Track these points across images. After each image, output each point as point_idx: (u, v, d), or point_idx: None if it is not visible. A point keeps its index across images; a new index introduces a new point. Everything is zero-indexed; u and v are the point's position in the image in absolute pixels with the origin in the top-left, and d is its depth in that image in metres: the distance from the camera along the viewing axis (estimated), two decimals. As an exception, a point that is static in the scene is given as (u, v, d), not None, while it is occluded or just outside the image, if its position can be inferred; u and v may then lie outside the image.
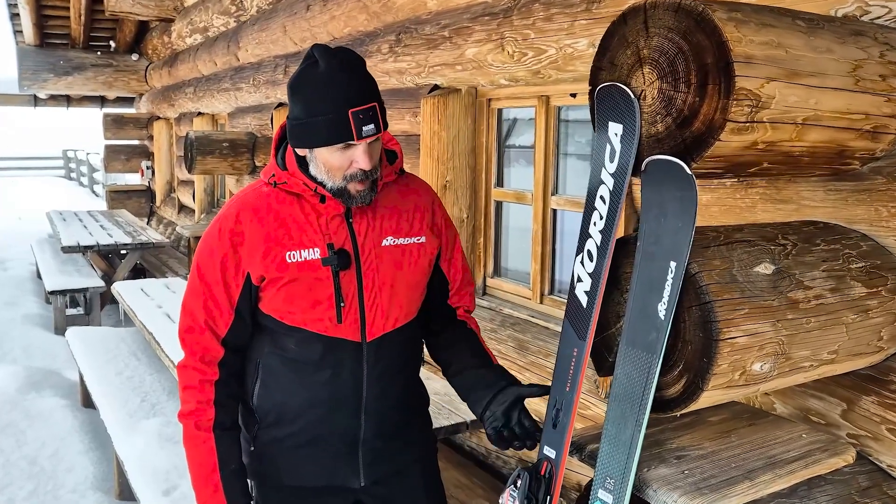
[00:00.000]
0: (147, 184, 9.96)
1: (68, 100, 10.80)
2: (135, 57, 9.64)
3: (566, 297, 2.91)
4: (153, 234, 7.09)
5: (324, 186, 1.58)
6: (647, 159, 1.43)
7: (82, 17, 8.81)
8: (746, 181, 1.87)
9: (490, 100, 3.22)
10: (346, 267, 1.60)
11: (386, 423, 1.70)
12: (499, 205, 3.32)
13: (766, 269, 1.42)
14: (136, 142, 10.08)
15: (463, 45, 2.99)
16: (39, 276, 7.19)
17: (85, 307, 6.51)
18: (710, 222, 1.92)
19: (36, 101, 10.77)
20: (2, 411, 4.05)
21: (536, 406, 1.92)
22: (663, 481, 1.41)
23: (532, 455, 2.72)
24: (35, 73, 9.31)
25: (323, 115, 1.48)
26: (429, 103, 3.26)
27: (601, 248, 1.51)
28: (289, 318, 1.63)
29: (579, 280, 1.54)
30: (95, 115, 11.06)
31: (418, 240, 1.69)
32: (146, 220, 9.78)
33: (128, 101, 10.80)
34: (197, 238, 6.06)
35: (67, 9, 8.83)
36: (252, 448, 1.72)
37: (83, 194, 18.62)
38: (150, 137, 9.66)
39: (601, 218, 1.52)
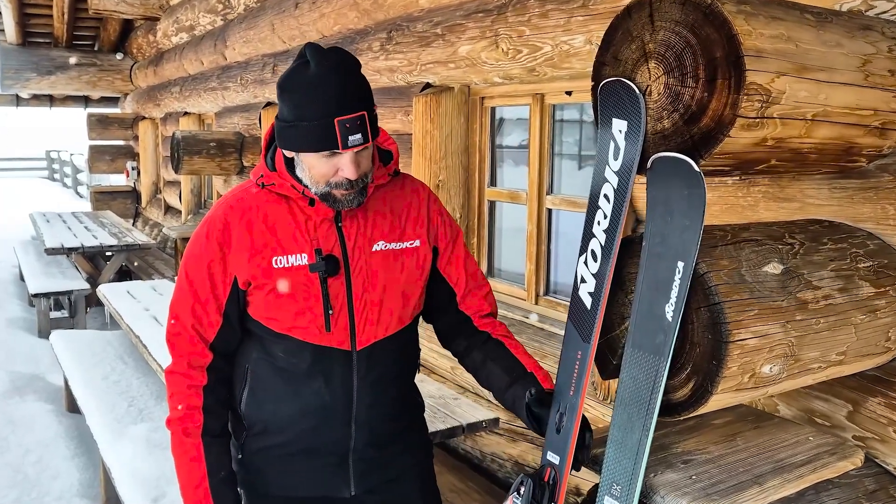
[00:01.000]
0: (132, 185, 9.85)
1: (51, 99, 10.66)
2: (119, 56, 9.52)
3: (562, 298, 2.89)
4: (139, 236, 6.99)
5: (310, 190, 1.53)
6: (654, 156, 1.39)
7: (65, 16, 8.69)
8: (749, 179, 1.84)
9: (483, 98, 3.18)
10: (335, 273, 1.55)
11: (378, 433, 1.65)
12: (492, 204, 3.28)
13: (774, 268, 1.39)
14: (120, 142, 9.96)
15: (456, 42, 2.95)
16: (22, 279, 7.06)
17: (69, 310, 6.40)
18: (712, 221, 1.88)
19: (18, 100, 10.63)
20: (-16, 417, 3.96)
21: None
22: (671, 487, 1.38)
23: (530, 459, 2.68)
24: (17, 73, 9.17)
25: (308, 121, 1.43)
26: (421, 102, 3.22)
27: (605, 248, 1.47)
28: (276, 324, 1.59)
29: (583, 281, 1.50)
30: (79, 115, 10.93)
31: (412, 244, 1.64)
32: (132, 221, 9.66)
33: (112, 100, 10.68)
34: (184, 239, 5.98)
35: (50, 7, 8.71)
36: (240, 456, 1.67)
37: (67, 195, 18.42)
38: (136, 138, 9.54)
39: (605, 217, 1.48)
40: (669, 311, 1.34)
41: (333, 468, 1.64)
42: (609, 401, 2.37)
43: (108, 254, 6.81)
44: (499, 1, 2.73)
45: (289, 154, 1.53)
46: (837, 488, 1.54)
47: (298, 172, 1.53)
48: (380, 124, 1.56)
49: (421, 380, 2.05)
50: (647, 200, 1.42)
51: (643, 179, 2.21)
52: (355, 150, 1.44)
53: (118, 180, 11.55)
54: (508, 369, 1.64)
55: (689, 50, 1.29)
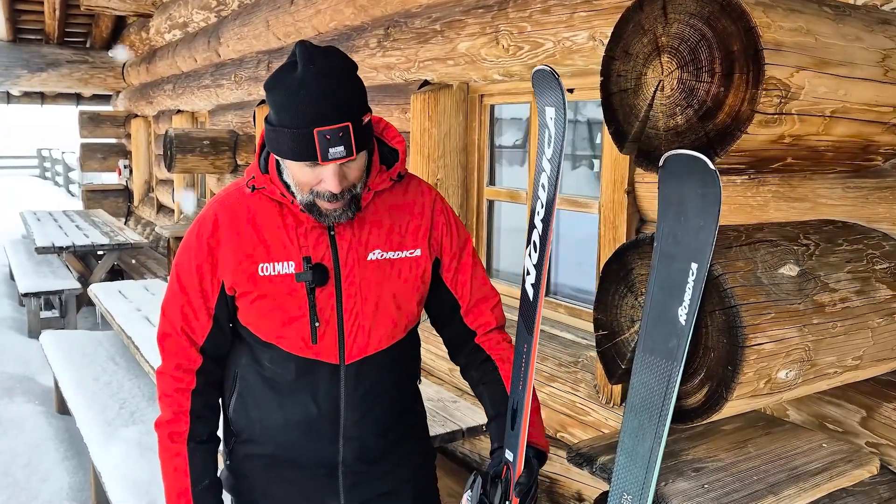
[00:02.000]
0: (124, 183, 9.75)
1: (42, 97, 10.55)
2: (112, 53, 9.42)
3: (562, 299, 2.84)
4: (131, 235, 6.92)
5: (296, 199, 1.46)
6: (666, 154, 1.34)
7: (57, 12, 8.59)
8: (758, 178, 1.79)
9: (483, 96, 3.13)
10: (323, 283, 1.48)
11: (368, 448, 1.59)
12: (491, 204, 3.22)
13: (790, 270, 1.34)
14: (112, 140, 9.86)
15: (455, 38, 2.90)
16: (12, 278, 6.98)
17: (60, 310, 6.33)
18: (720, 222, 1.84)
19: (9, 97, 10.51)
20: (-28, 419, 3.89)
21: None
22: (683, 496, 1.33)
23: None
24: (8, 70, 9.07)
25: (288, 128, 1.34)
26: (419, 99, 3.16)
27: (542, 239, 1.44)
28: (262, 333, 1.54)
29: (527, 273, 1.47)
30: (71, 113, 10.82)
31: (411, 253, 1.56)
32: (124, 220, 9.57)
33: (104, 98, 10.57)
34: (177, 239, 5.91)
35: (42, 3, 8.61)
36: (228, 462, 1.62)
37: (58, 194, 18.28)
38: (128, 136, 9.46)
39: (542, 206, 1.45)
40: (683, 314, 1.29)
41: (322, 479, 1.59)
42: (612, 404, 2.32)
43: (100, 253, 6.73)
44: (499, -4, 2.68)
45: (281, 160, 1.47)
46: (852, 496, 1.50)
47: (286, 177, 1.47)
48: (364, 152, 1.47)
49: (419, 382, 2.00)
50: (659, 199, 1.37)
51: (649, 178, 2.18)
52: (338, 162, 1.36)
53: (110, 179, 11.45)
54: (494, 402, 1.60)
55: (705, 43, 1.24)
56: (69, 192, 18.66)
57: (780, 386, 1.31)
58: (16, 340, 5.63)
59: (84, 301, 6.27)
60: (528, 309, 1.45)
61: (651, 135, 1.39)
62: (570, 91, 2.75)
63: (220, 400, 1.63)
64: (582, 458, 1.54)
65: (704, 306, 1.28)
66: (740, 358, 1.23)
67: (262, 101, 5.01)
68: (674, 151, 1.32)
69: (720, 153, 1.25)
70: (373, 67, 3.47)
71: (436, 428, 2.35)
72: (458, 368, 1.74)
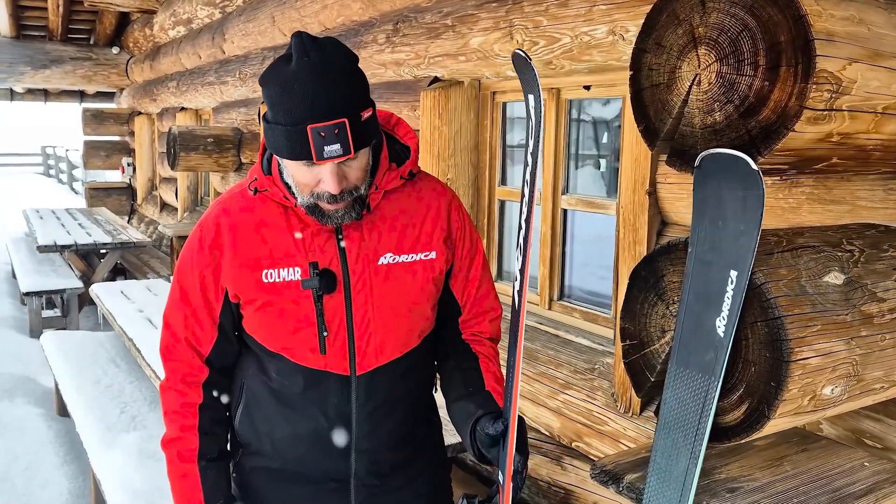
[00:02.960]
0: (128, 181, 9.69)
1: (46, 94, 10.49)
2: (115, 50, 9.35)
3: (577, 303, 2.75)
4: (134, 234, 6.84)
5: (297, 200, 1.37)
6: (703, 153, 1.25)
7: (60, 8, 8.52)
8: (791, 179, 1.70)
9: (494, 93, 3.04)
10: (331, 290, 1.39)
11: (381, 461, 1.51)
12: (502, 204, 3.14)
13: (836, 278, 1.25)
14: (116, 138, 9.79)
15: (467, 34, 2.81)
16: (14, 276, 6.91)
17: (62, 309, 6.25)
18: (750, 224, 1.75)
19: (12, 95, 10.46)
20: (-29, 421, 3.81)
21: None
22: (720, 521, 1.24)
23: (543, 473, 2.53)
24: (11, 66, 9.00)
25: (282, 125, 1.26)
26: (429, 96, 3.07)
27: (524, 239, 1.36)
28: (269, 343, 1.45)
29: (515, 278, 1.39)
30: (74, 110, 10.76)
31: (426, 256, 1.46)
32: (127, 218, 9.50)
33: (108, 95, 10.51)
34: (180, 238, 5.83)
35: (45, -1, 8.54)
36: (234, 474, 1.54)
37: (62, 191, 18.23)
38: (132, 133, 9.39)
39: (525, 204, 1.38)
40: (721, 325, 1.20)
41: (333, 494, 1.50)
42: (631, 414, 2.23)
43: (103, 252, 6.65)
44: (514, -10, 2.59)
45: (279, 158, 1.38)
46: (895, 519, 1.41)
47: (286, 177, 1.38)
48: (366, 149, 1.36)
49: (434, 391, 1.92)
50: (695, 202, 1.28)
51: (672, 178, 2.08)
52: (334, 161, 1.27)
53: (113, 176, 11.39)
54: (467, 382, 1.50)
55: (747, 34, 1.15)
56: (73, 189, 18.62)
57: (824, 403, 1.22)
58: (17, 340, 5.56)
59: (86, 300, 6.19)
60: (515, 316, 1.38)
61: (686, 133, 1.30)
62: (587, 88, 2.67)
63: (227, 414, 1.54)
64: (607, 475, 1.45)
65: (745, 317, 1.19)
66: (785, 373, 1.14)
67: (267, 99, 4.93)
68: (712, 150, 1.23)
69: (764, 152, 1.16)
70: (381, 64, 3.38)
71: (447, 438, 2.26)
72: None
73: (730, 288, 1.19)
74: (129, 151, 9.64)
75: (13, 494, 3.16)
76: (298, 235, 1.40)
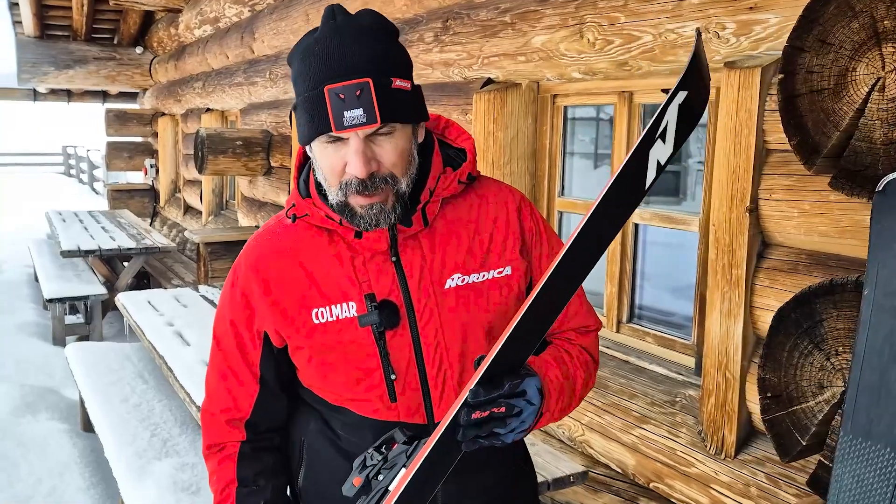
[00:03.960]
0: (150, 183, 9.54)
1: (69, 94, 10.40)
2: (139, 50, 9.22)
3: (649, 326, 2.51)
4: (158, 238, 6.67)
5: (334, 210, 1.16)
6: (890, 177, 1.02)
7: (85, 8, 8.38)
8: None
9: (555, 96, 2.81)
10: (394, 325, 1.18)
11: None
12: (561, 216, 2.90)
13: None
14: (139, 139, 9.66)
15: (529, 32, 2.58)
16: (37, 279, 6.77)
17: (85, 315, 6.09)
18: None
19: (35, 95, 10.37)
20: (-7, 439, 3.64)
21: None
22: None
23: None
24: (35, 67, 8.88)
25: (301, 95, 1.08)
26: (483, 99, 2.85)
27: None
28: (330, 395, 1.25)
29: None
30: (97, 110, 10.65)
31: (500, 272, 1.23)
32: (149, 220, 9.36)
33: (131, 96, 10.39)
34: (207, 244, 5.64)
35: (69, -1, 8.42)
36: None
37: (83, 192, 18.21)
38: (155, 135, 9.25)
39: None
40: (920, 390, 0.97)
41: None
42: (724, 456, 2.00)
43: (127, 256, 6.50)
44: (586, -17, 2.36)
45: (310, 153, 1.16)
46: None
47: (320, 178, 1.16)
48: (403, 129, 1.13)
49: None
50: (872, 235, 1.05)
51: (779, 195, 1.84)
52: (359, 130, 1.05)
53: (136, 178, 11.28)
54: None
55: (963, 27, 0.92)
56: (93, 189, 18.59)
57: None
58: (40, 349, 5.39)
59: (110, 306, 6.03)
60: None
61: (861, 149, 1.07)
62: (666, 92, 2.43)
63: (278, 460, 1.33)
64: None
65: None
66: None
67: (300, 101, 4.73)
68: (906, 173, 1.00)
69: (983, 177, 0.92)
70: (428, 64, 3.16)
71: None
72: None
73: (931, 344, 0.96)
74: (153, 153, 9.50)
75: (37, 522, 2.97)
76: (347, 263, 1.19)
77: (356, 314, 1.17)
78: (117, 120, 9.39)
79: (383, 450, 1.03)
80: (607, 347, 2.54)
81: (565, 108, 2.82)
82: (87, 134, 21.79)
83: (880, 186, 1.04)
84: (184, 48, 7.46)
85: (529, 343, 1.04)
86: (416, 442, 1.03)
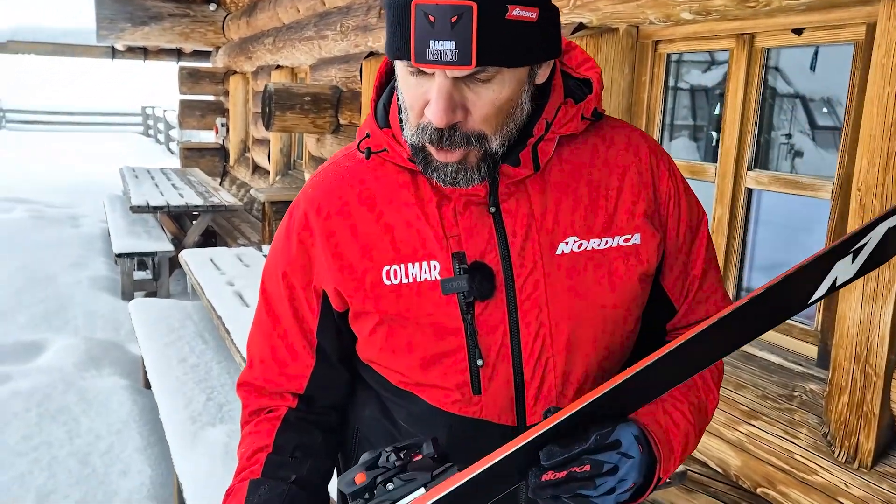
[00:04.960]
0: (221, 142, 9.55)
1: (145, 52, 10.47)
2: (212, 7, 9.15)
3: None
4: (226, 196, 6.61)
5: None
6: None
7: (160, -37, 8.35)
8: None
9: (657, 42, 2.47)
10: (487, 295, 0.92)
11: None
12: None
13: None
14: (211, 97, 9.66)
15: (632, -36, 2.25)
16: (110, 235, 6.84)
17: (153, 272, 6.10)
18: None
19: (114, 53, 10.49)
20: (55, 393, 3.60)
21: None
22: None
23: None
24: (112, 23, 8.93)
25: (388, 8, 0.84)
26: (574, 45, 2.53)
27: None
28: (394, 376, 0.99)
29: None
30: (173, 70, 10.71)
31: (627, 240, 0.95)
32: (219, 180, 9.38)
33: (204, 55, 10.38)
34: (272, 203, 5.52)
35: (145, -46, 8.39)
36: None
37: (159, 151, 18.63)
38: (226, 93, 9.21)
39: None
40: None
41: None
42: (858, 465, 1.68)
43: (195, 214, 6.47)
44: None
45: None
46: None
47: (402, 105, 0.90)
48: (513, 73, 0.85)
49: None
50: None
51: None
52: (447, 69, 0.79)
53: (207, 137, 11.35)
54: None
55: None
56: (169, 150, 18.98)
57: None
58: (108, 303, 5.41)
59: (177, 264, 6.01)
60: None
61: None
62: (797, 33, 2.05)
63: (328, 441, 1.08)
64: None
65: None
66: None
67: (370, 54, 4.49)
68: None
69: None
70: (512, 8, 2.85)
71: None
72: None
73: None
74: (224, 112, 9.48)
75: (93, 482, 2.89)
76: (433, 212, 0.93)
77: (439, 277, 0.91)
78: (190, 78, 9.38)
79: (403, 455, 0.79)
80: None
81: (668, 56, 2.48)
82: (164, 94, 22.23)
83: None
84: (255, 3, 7.32)
85: (639, 397, 0.84)
86: (448, 465, 0.79)
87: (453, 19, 0.76)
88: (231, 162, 9.15)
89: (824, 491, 1.75)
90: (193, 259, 4.08)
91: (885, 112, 1.57)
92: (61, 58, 10.64)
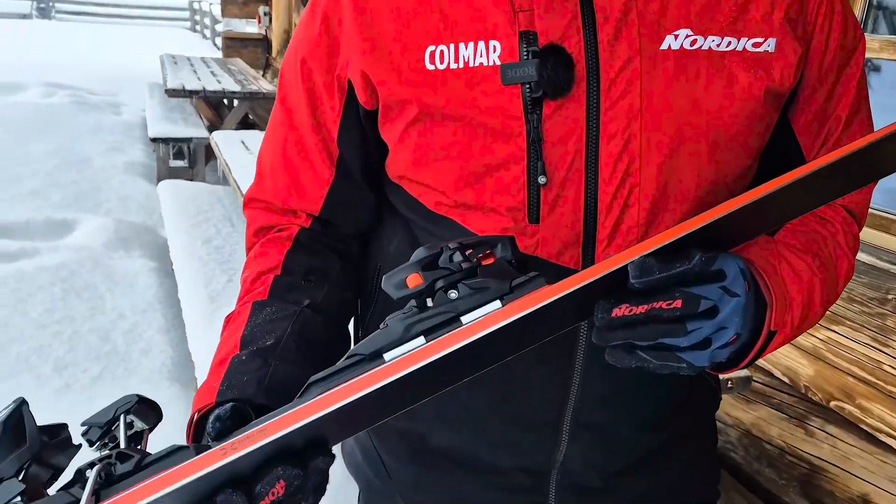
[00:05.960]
0: (263, 32, 9.22)
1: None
2: None
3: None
4: (265, 85, 6.37)
5: None
6: None
7: None
8: None
9: None
10: (562, 90, 0.68)
11: (613, 452, 0.82)
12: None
13: None
14: (254, -16, 9.28)
15: None
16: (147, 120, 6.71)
17: (189, 159, 5.97)
18: None
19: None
20: (83, 270, 3.51)
21: None
22: None
23: (772, 432, 1.79)
24: None
25: None
26: None
27: None
28: (431, 197, 0.75)
29: None
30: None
31: (757, 45, 0.70)
32: (261, 71, 9.10)
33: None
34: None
35: None
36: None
37: (205, 46, 18.35)
38: (269, -21, 8.82)
39: None
40: None
41: (525, 497, 0.84)
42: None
43: (233, 101, 6.26)
44: None
45: None
46: None
47: None
48: None
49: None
50: None
51: None
52: None
53: (250, 28, 11.01)
54: None
55: None
56: (215, 45, 18.68)
57: None
58: (143, 188, 5.31)
59: (213, 153, 5.87)
60: None
61: None
62: None
63: (348, 270, 0.84)
64: None
65: None
66: None
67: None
68: None
69: None
70: None
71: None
72: None
73: None
74: (267, 0, 9.10)
75: (113, 359, 2.81)
76: None
77: (499, 62, 0.68)
78: (233, -37, 8.99)
79: (470, 255, 0.56)
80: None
81: None
82: (211, -11, 21.74)
83: None
84: None
85: (757, 225, 0.61)
86: (532, 275, 0.55)
87: None
88: (273, 53, 8.85)
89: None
90: (224, 140, 3.89)
91: None
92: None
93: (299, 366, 0.67)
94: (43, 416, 0.53)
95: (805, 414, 1.78)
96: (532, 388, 0.77)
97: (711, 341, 0.58)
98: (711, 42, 0.68)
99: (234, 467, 0.49)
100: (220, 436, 0.55)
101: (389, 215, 0.84)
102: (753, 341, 0.63)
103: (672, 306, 0.55)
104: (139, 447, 0.57)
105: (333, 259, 0.82)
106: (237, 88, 5.93)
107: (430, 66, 0.69)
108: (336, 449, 0.59)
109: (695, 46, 0.68)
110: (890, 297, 1.64)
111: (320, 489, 0.55)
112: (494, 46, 0.67)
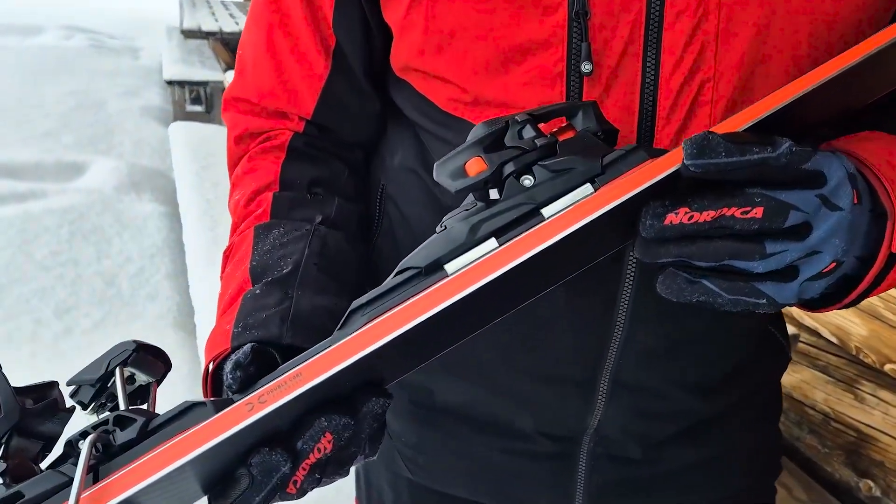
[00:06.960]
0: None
1: None
2: None
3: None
4: (283, 28, 6.18)
5: None
6: None
7: None
8: None
9: None
10: None
11: (654, 417, 0.67)
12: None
13: None
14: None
15: None
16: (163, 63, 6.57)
17: (205, 104, 5.83)
18: None
19: None
20: (91, 213, 3.41)
21: None
22: None
23: (816, 396, 1.65)
24: None
25: None
26: None
27: None
28: (442, 90, 0.58)
29: None
30: None
31: None
32: (282, 17, 8.90)
33: None
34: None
35: None
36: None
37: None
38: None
39: None
40: None
41: (546, 464, 0.69)
42: None
43: (250, 45, 6.09)
44: None
45: None
46: None
47: None
48: None
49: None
50: None
51: None
52: None
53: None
54: None
55: None
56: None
57: None
58: (157, 132, 5.19)
59: (231, 97, 5.73)
60: None
61: None
62: None
63: (356, 180, 0.70)
64: None
65: None
66: None
67: None
68: None
69: None
70: None
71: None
72: None
73: None
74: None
75: (116, 304, 2.71)
76: None
77: None
78: None
79: (542, 130, 0.42)
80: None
81: None
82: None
83: None
84: None
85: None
86: (631, 147, 0.42)
87: None
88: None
89: None
90: (236, 80, 3.73)
91: None
92: None
93: (327, 293, 0.54)
94: (39, 362, 0.40)
95: (855, 378, 1.61)
96: (562, 334, 0.61)
97: (799, 271, 0.42)
98: None
99: (265, 424, 0.38)
100: (244, 387, 0.43)
101: (393, 122, 0.68)
102: (865, 270, 0.46)
103: (749, 216, 0.40)
104: (146, 405, 0.47)
105: (339, 166, 0.68)
106: (254, 30, 5.75)
107: None
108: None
109: None
110: (961, 249, 1.45)
111: (376, 438, 0.44)
112: None
